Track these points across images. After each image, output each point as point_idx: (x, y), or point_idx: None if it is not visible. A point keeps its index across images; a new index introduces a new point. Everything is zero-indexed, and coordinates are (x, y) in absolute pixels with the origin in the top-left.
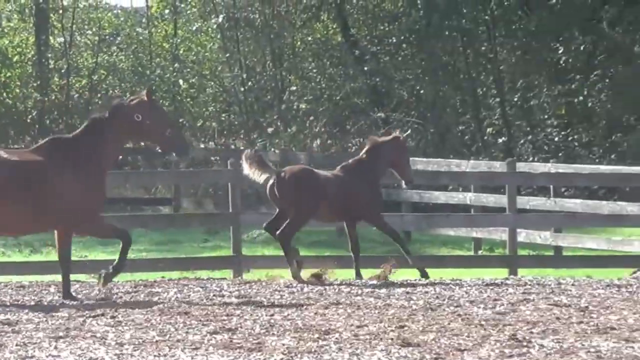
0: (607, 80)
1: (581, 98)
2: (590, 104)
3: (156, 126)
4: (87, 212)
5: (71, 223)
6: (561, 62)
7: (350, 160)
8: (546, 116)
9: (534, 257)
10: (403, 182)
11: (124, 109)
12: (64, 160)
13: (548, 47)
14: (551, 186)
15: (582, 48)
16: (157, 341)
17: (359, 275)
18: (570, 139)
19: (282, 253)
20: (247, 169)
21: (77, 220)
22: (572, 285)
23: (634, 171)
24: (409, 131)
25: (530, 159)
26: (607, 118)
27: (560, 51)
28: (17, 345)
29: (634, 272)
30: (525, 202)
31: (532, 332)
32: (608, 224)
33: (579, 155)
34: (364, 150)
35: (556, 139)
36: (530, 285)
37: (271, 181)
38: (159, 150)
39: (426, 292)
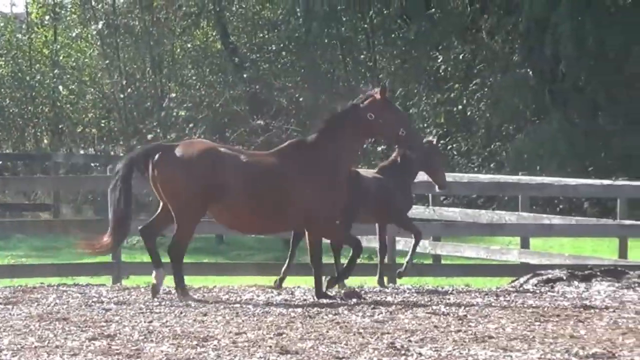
0: (486, 89)
1: (460, 107)
2: (469, 113)
3: (388, 125)
4: (322, 214)
5: (309, 225)
6: (440, 70)
7: (385, 162)
8: (425, 125)
9: (412, 265)
10: (437, 186)
11: (358, 109)
12: (302, 163)
13: (427, 55)
14: (430, 195)
15: (461, 57)
16: (35, 347)
17: (381, 280)
18: (449, 147)
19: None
20: None
21: (314, 222)
22: (451, 293)
23: (512, 180)
24: (439, 134)
25: None
26: (486, 127)
27: (439, 60)
28: None
29: (513, 281)
30: None
31: (410, 341)
32: (486, 233)
33: (457, 164)
34: (396, 152)
35: None
36: (409, 293)
37: None
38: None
39: (305, 300)
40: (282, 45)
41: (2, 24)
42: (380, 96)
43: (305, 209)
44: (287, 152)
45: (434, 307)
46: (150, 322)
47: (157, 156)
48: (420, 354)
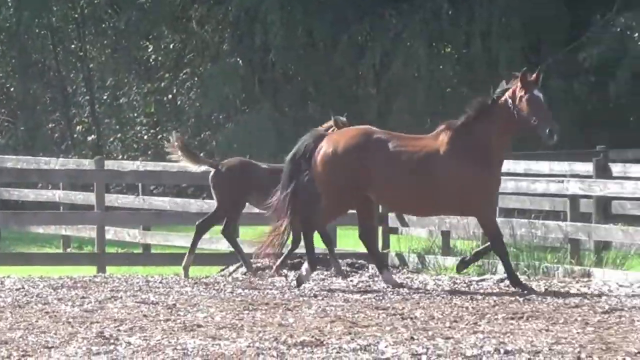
0: (196, 78)
1: (171, 96)
2: (179, 102)
3: (521, 115)
4: (474, 201)
5: (463, 211)
6: (151, 60)
7: None
8: (136, 114)
9: (122, 254)
10: None
11: (499, 98)
12: (456, 148)
13: (138, 45)
14: (140, 184)
15: (171, 46)
16: None
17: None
18: (159, 137)
19: None
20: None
21: (466, 208)
22: (160, 282)
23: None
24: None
25: (120, 157)
26: (196, 116)
27: (149, 49)
28: None
29: (222, 270)
30: (114, 199)
31: (119, 330)
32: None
33: (168, 153)
34: None
35: (145, 137)
36: (118, 283)
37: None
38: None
39: (16, 290)
40: None
41: None
42: (520, 83)
43: (454, 195)
44: (437, 137)
45: (144, 296)
46: None
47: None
48: (129, 343)
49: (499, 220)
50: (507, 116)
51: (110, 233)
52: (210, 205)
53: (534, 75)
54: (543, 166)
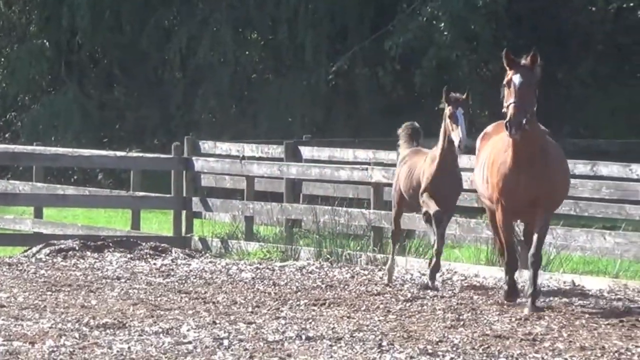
0: (3, 59)
1: None
2: None
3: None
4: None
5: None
6: None
7: None
8: None
9: None
10: None
11: None
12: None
13: None
14: None
15: None
16: None
17: None
18: None
19: None
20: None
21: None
22: None
23: (27, 150)
24: None
25: None
26: (2, 97)
27: None
28: None
29: (25, 251)
30: None
31: None
32: (0, 203)
33: None
34: None
35: None
36: None
37: None
38: None
39: None
40: None
41: None
42: (530, 62)
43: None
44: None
45: None
46: None
47: None
48: None
49: (302, 206)
50: None
51: None
52: (14, 185)
53: (529, 57)
54: (347, 153)
